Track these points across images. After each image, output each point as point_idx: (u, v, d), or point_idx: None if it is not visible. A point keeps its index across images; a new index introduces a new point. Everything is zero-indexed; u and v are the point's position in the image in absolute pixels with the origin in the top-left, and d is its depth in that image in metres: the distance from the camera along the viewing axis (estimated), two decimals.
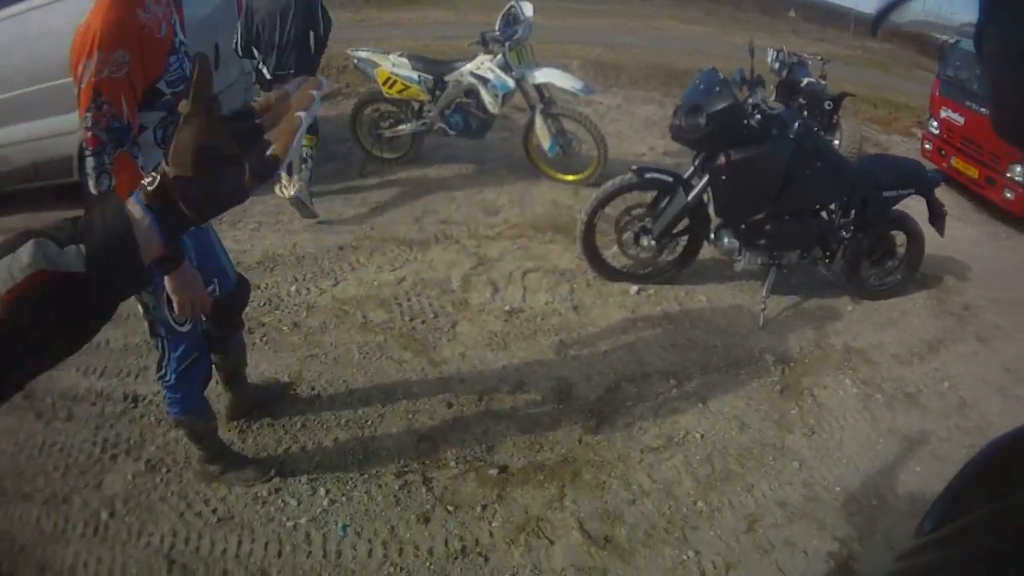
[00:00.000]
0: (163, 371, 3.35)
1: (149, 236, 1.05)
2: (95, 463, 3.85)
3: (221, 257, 3.57)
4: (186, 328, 3.23)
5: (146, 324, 3.27)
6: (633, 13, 21.03)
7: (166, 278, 2.96)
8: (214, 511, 3.45)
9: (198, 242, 3.33)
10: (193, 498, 3.52)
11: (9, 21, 7.43)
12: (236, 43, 7.06)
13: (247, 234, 6.00)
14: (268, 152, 1.05)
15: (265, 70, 6.79)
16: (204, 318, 3.35)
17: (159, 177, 1.05)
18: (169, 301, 3.06)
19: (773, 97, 7.37)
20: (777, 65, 7.74)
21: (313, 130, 6.47)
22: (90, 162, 2.77)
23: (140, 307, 3.21)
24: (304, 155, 6.44)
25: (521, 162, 7.04)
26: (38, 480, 3.84)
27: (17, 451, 3.78)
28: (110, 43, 2.74)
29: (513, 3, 6.94)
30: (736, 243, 4.67)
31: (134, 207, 1.09)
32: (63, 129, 7.04)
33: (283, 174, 6.12)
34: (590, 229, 4.80)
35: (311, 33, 6.77)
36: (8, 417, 4.14)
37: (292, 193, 5.97)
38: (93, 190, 2.83)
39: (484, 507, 3.23)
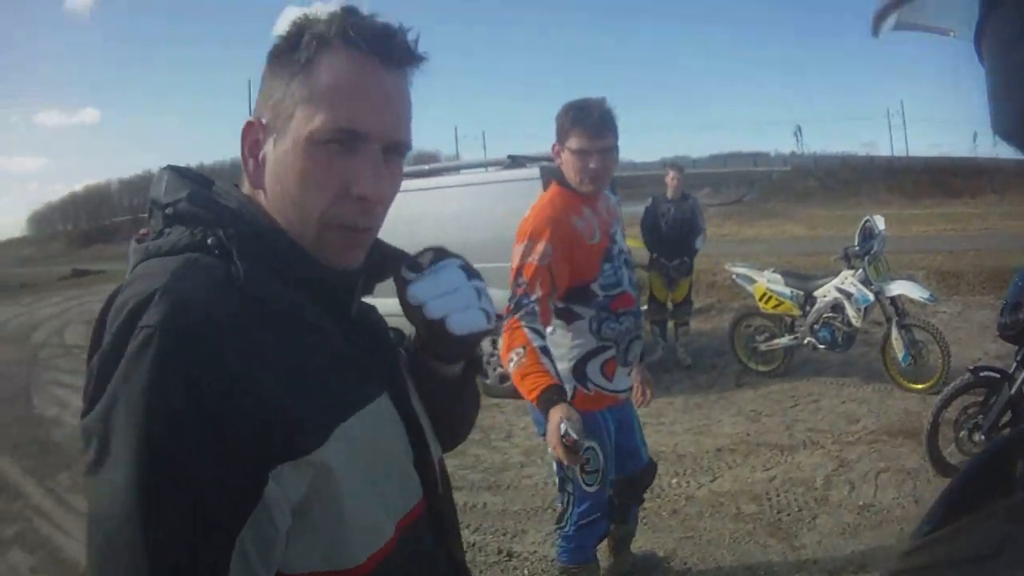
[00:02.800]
0: (563, 522, 3.64)
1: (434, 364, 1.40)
2: None
3: (638, 438, 3.86)
4: (592, 489, 3.50)
5: (556, 479, 3.63)
6: (967, 216, 20.91)
7: (546, 415, 3.09)
8: None
9: (620, 424, 3.63)
10: None
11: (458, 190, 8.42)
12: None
13: None
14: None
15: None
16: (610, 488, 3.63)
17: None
18: (583, 462, 3.37)
19: None
20: None
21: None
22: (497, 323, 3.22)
23: (555, 464, 3.53)
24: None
25: (878, 373, 7.49)
26: None
27: None
28: (539, 236, 3.20)
29: (868, 218, 7.51)
30: None
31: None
32: None
33: None
34: (934, 430, 5.18)
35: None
36: None
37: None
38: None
39: None
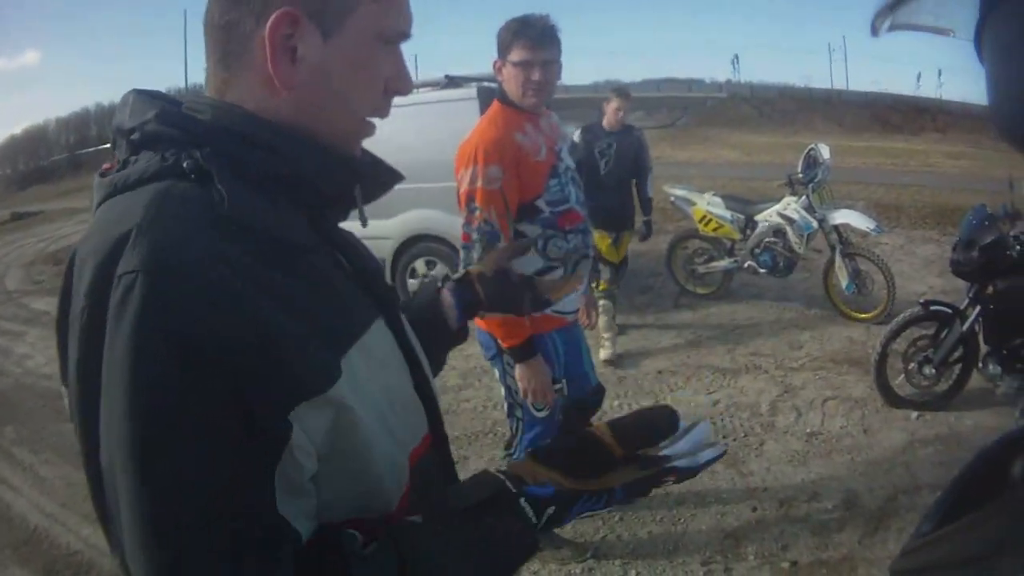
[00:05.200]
0: (512, 449, 3.65)
1: (449, 310, 1.49)
2: None
3: (586, 363, 3.78)
4: (542, 415, 3.47)
5: (505, 405, 3.60)
6: (908, 152, 21.20)
7: (517, 366, 3.29)
8: None
9: (568, 346, 3.57)
10: None
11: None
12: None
13: None
14: (545, 296, 1.58)
15: None
16: (559, 411, 3.56)
17: (467, 271, 1.53)
18: None
19: None
20: None
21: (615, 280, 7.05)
22: (463, 255, 3.19)
23: (503, 389, 3.53)
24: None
25: (819, 300, 7.52)
26: None
27: None
28: (486, 158, 3.13)
29: (812, 146, 7.41)
30: (999, 369, 4.87)
31: (445, 292, 1.51)
32: (378, 233, 7.64)
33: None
34: (883, 359, 5.20)
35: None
36: None
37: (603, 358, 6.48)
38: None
39: None
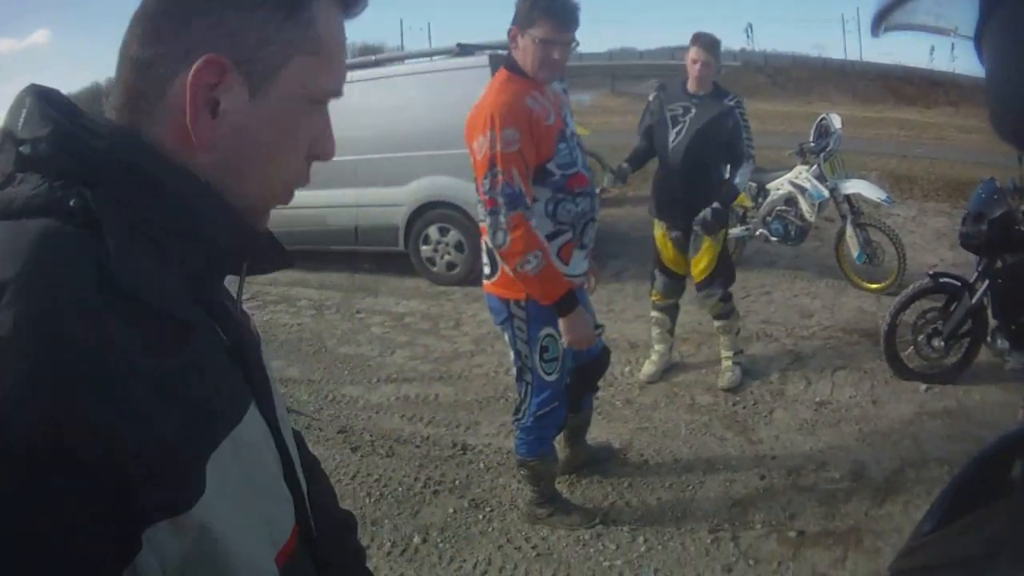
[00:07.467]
0: (520, 414, 3.66)
1: None
2: (414, 496, 4.32)
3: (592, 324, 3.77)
4: (552, 378, 3.54)
5: (514, 369, 3.65)
6: (922, 125, 21.11)
7: (561, 320, 3.34)
8: (534, 547, 3.80)
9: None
10: (514, 534, 3.91)
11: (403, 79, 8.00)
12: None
13: None
14: None
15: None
16: (567, 376, 3.65)
17: None
18: (542, 350, 3.48)
19: None
20: None
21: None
22: (489, 221, 3.19)
23: (512, 353, 3.57)
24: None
25: (830, 269, 7.50)
26: (345, 502, 4.29)
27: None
28: (502, 122, 3.15)
29: (824, 115, 7.39)
30: (1008, 344, 4.87)
31: None
32: (391, 200, 7.98)
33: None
34: (891, 331, 5.21)
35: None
36: (319, 447, 4.66)
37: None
38: (491, 244, 3.29)
39: (780, 563, 3.54)
